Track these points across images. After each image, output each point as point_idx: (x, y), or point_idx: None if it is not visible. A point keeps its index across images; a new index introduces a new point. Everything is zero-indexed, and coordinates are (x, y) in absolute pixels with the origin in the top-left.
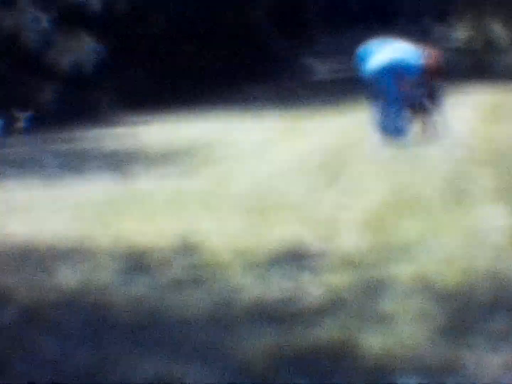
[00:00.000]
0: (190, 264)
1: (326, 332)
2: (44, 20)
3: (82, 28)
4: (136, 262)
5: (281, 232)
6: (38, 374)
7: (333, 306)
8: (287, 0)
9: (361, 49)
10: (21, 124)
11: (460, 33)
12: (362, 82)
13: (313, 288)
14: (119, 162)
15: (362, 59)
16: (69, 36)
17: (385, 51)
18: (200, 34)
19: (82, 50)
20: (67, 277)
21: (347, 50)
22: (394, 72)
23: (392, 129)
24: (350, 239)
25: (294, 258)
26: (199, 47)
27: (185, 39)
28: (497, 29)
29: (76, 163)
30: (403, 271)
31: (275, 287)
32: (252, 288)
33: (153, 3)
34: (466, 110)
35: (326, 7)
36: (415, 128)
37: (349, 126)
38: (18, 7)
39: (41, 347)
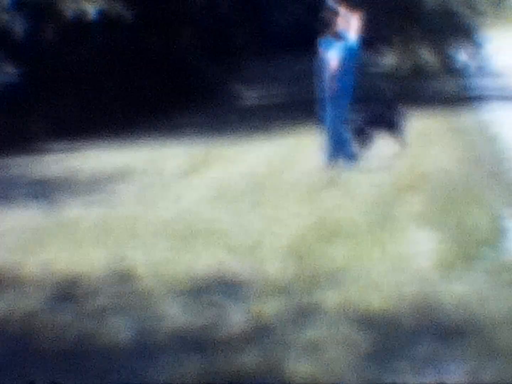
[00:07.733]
0: (117, 292)
1: (252, 359)
2: None
3: (4, 53)
4: (63, 291)
5: (207, 259)
6: None
7: (258, 333)
8: (215, 26)
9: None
10: None
11: (389, 59)
12: (292, 108)
13: (239, 315)
14: (46, 189)
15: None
16: None
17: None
18: (128, 61)
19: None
20: None
21: (275, 77)
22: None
23: (342, 152)
24: (276, 266)
25: (220, 285)
26: (126, 74)
27: (112, 66)
28: (425, 55)
29: (1, 191)
30: (329, 298)
31: (201, 315)
32: (178, 316)
33: (80, 31)
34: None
35: (254, 33)
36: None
37: (280, 151)
38: None
39: None
